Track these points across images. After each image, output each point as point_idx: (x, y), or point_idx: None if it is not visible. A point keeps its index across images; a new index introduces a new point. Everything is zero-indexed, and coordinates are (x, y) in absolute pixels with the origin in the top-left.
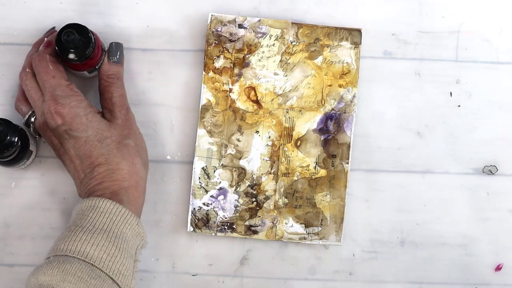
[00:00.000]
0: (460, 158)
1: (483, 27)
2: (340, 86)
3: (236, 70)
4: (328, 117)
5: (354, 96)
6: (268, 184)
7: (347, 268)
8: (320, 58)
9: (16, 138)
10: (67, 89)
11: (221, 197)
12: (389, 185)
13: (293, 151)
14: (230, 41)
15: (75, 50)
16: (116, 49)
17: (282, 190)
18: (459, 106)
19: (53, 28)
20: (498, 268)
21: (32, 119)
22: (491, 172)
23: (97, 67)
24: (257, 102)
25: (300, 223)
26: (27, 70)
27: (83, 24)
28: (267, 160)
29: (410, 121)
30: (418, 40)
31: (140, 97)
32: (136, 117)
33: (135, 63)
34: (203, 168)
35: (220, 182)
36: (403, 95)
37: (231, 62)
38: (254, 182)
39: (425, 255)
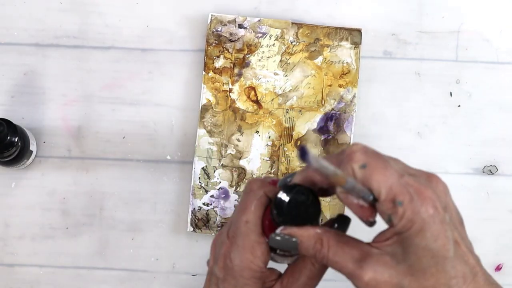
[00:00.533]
0: (460, 158)
1: (483, 27)
2: (340, 86)
3: (236, 70)
4: (328, 117)
5: (354, 96)
6: None
7: None
8: (320, 58)
9: (16, 138)
10: (249, 248)
11: (221, 197)
12: None
13: (293, 151)
14: (230, 41)
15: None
16: (347, 222)
17: None
18: (459, 106)
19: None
20: (498, 268)
21: None
22: (491, 172)
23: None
24: (257, 102)
25: None
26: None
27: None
28: (267, 160)
29: (410, 121)
30: (418, 40)
31: (140, 97)
32: (136, 117)
33: (135, 63)
34: (203, 168)
35: (220, 182)
36: (403, 95)
37: (231, 62)
38: None
39: None
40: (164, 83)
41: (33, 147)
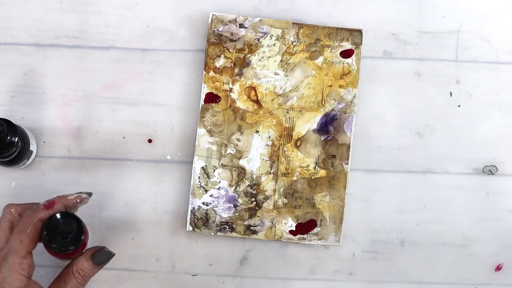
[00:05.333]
0: (460, 158)
1: (483, 27)
2: (340, 86)
3: (236, 70)
4: (328, 117)
5: (354, 97)
6: (268, 184)
7: (347, 268)
8: (320, 59)
9: (16, 138)
10: (18, 262)
11: (221, 196)
12: (389, 185)
13: (293, 151)
14: (231, 40)
15: (64, 241)
16: (105, 255)
17: (281, 190)
18: (459, 106)
19: (89, 194)
20: (498, 268)
21: None
22: (491, 172)
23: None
24: (257, 102)
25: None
26: (12, 210)
27: (76, 215)
28: (266, 160)
29: (410, 121)
30: (418, 40)
31: (140, 97)
32: (136, 117)
33: (135, 63)
34: (202, 167)
35: (219, 182)
36: (403, 95)
37: (231, 62)
38: (254, 182)
39: (425, 255)
40: (164, 83)
41: (33, 147)
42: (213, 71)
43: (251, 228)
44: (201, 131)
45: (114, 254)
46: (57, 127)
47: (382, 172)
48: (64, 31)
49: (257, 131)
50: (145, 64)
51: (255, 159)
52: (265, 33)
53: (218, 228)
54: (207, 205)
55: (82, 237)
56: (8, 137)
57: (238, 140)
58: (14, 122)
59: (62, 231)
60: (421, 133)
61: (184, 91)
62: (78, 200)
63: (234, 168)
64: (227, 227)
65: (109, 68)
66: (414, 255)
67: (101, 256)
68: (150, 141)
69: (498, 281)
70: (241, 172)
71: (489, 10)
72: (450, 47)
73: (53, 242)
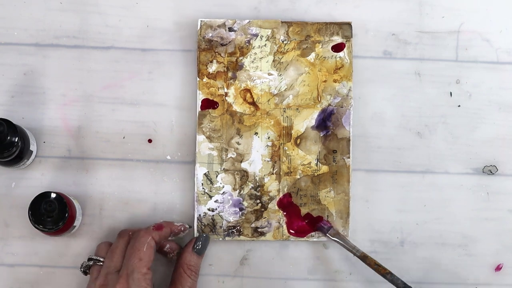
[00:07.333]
0: (460, 158)
1: (483, 27)
2: (335, 81)
3: (230, 74)
4: (325, 113)
5: (350, 90)
6: (271, 185)
7: (347, 268)
8: (312, 55)
9: (16, 138)
10: (142, 278)
11: (226, 201)
12: (389, 185)
13: (293, 149)
14: (222, 45)
15: (51, 219)
16: (203, 241)
17: (285, 189)
18: (459, 106)
19: (190, 226)
20: (498, 268)
21: (91, 263)
22: (491, 172)
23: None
24: (253, 103)
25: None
26: (130, 233)
27: (58, 192)
28: (268, 161)
29: (410, 121)
30: (418, 40)
31: (140, 97)
32: (136, 117)
33: (135, 63)
34: (205, 174)
35: (223, 187)
36: (403, 95)
37: (224, 66)
38: (257, 183)
39: (425, 255)
40: (164, 83)
41: (33, 147)
42: (207, 77)
43: (259, 230)
44: (201, 137)
45: (209, 237)
46: (57, 127)
47: (382, 172)
48: (64, 31)
49: (256, 133)
50: (145, 64)
51: (256, 161)
52: (255, 35)
53: (226, 233)
54: (213, 211)
55: (67, 213)
56: (8, 137)
57: (238, 143)
58: (14, 122)
59: (46, 212)
60: (421, 133)
61: (184, 91)
62: (182, 228)
63: (236, 172)
64: (235, 231)
65: (109, 68)
66: (414, 255)
67: (201, 244)
68: (150, 141)
69: (498, 281)
70: (244, 175)
71: (489, 10)
72: (450, 47)
73: (40, 223)
